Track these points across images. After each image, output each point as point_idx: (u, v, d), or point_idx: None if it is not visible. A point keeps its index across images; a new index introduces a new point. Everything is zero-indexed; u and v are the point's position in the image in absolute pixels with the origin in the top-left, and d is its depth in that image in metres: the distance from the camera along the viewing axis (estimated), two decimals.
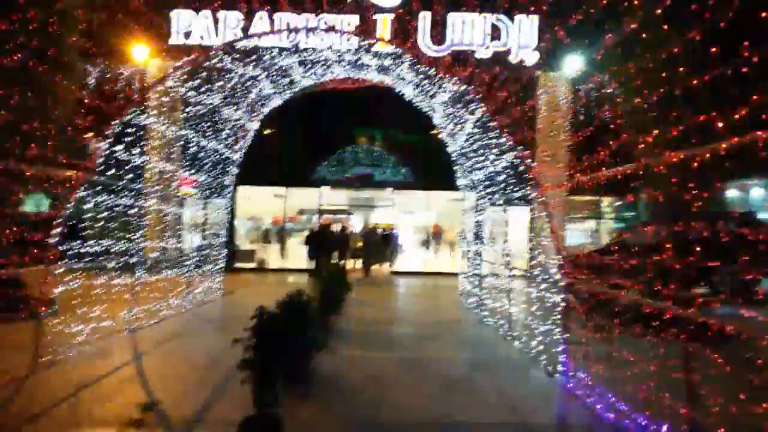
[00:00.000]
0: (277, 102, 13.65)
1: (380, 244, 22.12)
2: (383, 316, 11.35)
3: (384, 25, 19.70)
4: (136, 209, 8.39)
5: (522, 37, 20.55)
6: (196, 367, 6.98)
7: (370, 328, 9.91)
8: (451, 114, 10.88)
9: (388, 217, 23.49)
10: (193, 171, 10.93)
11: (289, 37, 16.25)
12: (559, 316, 6.80)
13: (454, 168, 14.24)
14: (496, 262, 10.81)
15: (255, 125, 13.75)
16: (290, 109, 26.13)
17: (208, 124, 10.64)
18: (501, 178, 9.30)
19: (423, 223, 23.65)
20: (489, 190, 10.75)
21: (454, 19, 20.28)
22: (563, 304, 6.62)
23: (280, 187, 22.18)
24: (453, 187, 22.30)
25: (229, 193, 13.63)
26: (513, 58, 20.08)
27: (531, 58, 20.48)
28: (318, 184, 23.13)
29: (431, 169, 29.17)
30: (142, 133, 7.72)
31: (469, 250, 13.58)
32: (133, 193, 8.13)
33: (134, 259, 8.88)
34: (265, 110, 13.71)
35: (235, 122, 12.15)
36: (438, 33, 19.72)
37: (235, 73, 11.02)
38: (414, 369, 7.13)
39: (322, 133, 29.68)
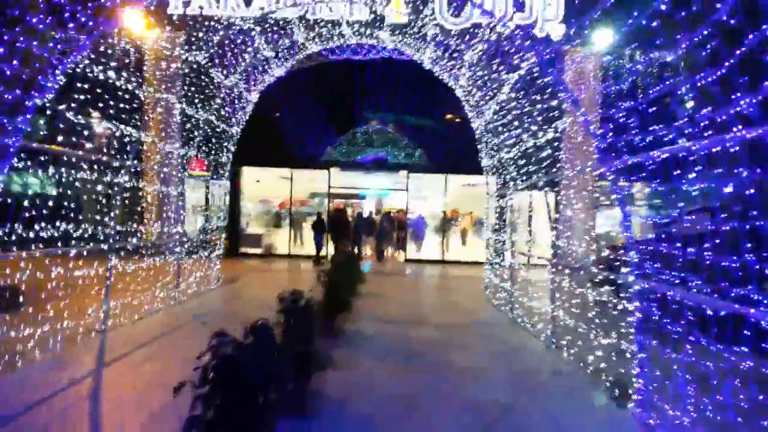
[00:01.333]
0: (278, 71, 12.08)
1: (392, 230, 20.81)
2: (399, 315, 9.87)
3: None
4: (102, 186, 6.92)
5: (547, 9, 19.16)
6: (169, 386, 5.53)
7: (384, 330, 8.42)
8: (481, 77, 9.26)
9: (402, 202, 21.97)
10: (178, 144, 9.42)
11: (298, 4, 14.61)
12: (632, 329, 5.24)
13: (478, 147, 12.62)
14: (533, 253, 9.27)
15: (254, 96, 12.21)
16: (298, 87, 24.61)
17: (194, 87, 9.11)
18: (544, 153, 7.70)
19: (440, 208, 22.04)
20: (524, 170, 9.16)
21: None
22: (639, 315, 5.06)
23: (287, 169, 20.66)
24: (472, 170, 20.79)
25: (226, 172, 12.15)
26: (538, 32, 18.62)
27: (557, 31, 19.11)
28: (327, 166, 21.59)
29: (448, 151, 27.55)
30: (100, 91, 6.21)
31: (494, 239, 12.04)
32: (96, 166, 6.64)
33: (105, 245, 7.43)
34: (266, 79, 12.16)
35: (229, 89, 10.62)
36: (457, 3, 18.16)
37: (222, 23, 9.49)
38: (441, 392, 5.63)
39: (332, 112, 28.11)
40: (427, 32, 9.36)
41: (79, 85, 5.40)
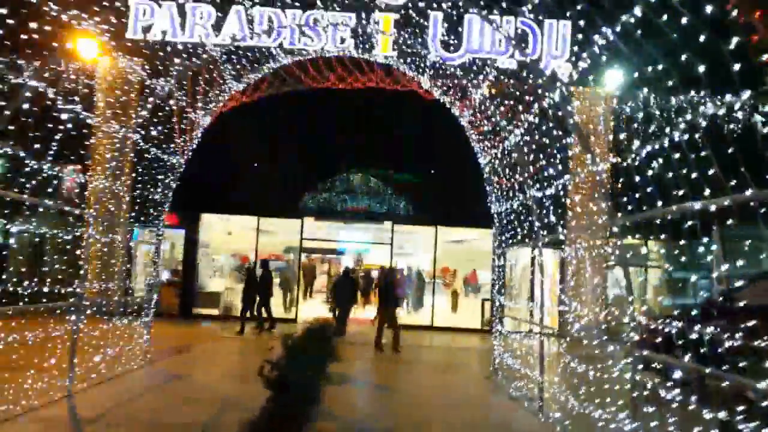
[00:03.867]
0: (234, 85, 9.56)
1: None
2: (381, 423, 6.95)
3: (386, 23, 15.99)
4: None
5: (552, 46, 17.23)
6: None
7: None
8: (504, 93, 6.85)
9: (384, 257, 19.18)
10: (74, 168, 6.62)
11: (272, 35, 12.43)
12: None
13: (486, 188, 10.16)
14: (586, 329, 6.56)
15: (205, 119, 9.63)
16: (273, 124, 22.11)
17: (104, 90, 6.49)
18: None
19: (428, 265, 19.31)
20: (558, 212, 6.56)
21: (471, 20, 16.66)
22: None
23: (252, 217, 17.83)
24: (467, 223, 18.32)
25: (161, 214, 9.34)
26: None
27: (564, 69, 17.07)
28: (300, 215, 18.80)
29: (438, 203, 24.99)
30: None
31: (508, 305, 9.35)
32: None
33: None
34: (220, 98, 9.63)
35: (165, 103, 8.01)
36: (452, 38, 16.23)
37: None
38: None
39: (310, 156, 25.62)
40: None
41: None
